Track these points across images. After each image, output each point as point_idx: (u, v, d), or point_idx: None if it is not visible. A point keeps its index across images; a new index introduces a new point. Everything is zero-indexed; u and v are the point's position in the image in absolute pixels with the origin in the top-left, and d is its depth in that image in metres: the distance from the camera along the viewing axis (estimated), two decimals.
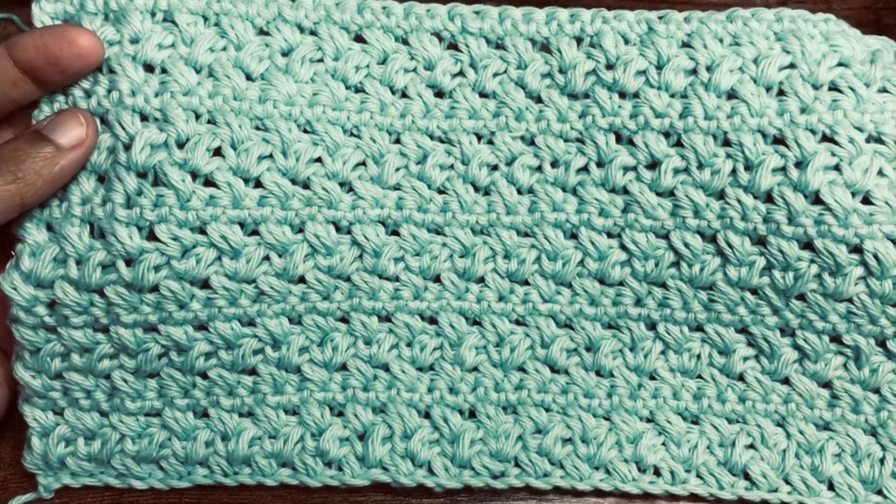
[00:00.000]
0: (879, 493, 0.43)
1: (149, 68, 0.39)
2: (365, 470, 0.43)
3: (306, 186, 0.41)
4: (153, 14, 0.39)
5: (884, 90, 0.41)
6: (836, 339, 0.43)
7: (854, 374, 0.43)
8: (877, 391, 0.43)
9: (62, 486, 0.43)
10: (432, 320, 0.43)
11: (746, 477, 0.44)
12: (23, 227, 0.39)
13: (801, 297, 0.42)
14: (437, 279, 0.43)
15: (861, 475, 0.43)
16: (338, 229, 0.41)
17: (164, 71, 0.39)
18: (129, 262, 0.39)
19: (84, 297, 0.39)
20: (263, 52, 0.40)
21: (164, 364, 0.42)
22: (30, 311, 0.39)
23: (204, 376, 0.42)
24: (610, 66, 0.41)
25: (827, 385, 0.44)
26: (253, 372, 0.43)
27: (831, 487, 0.43)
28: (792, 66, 0.41)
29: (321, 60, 0.41)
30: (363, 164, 0.42)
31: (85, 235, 0.39)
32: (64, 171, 0.37)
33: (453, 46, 0.42)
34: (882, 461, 0.43)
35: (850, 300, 0.41)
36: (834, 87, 0.41)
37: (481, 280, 0.43)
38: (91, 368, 0.41)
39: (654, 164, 0.41)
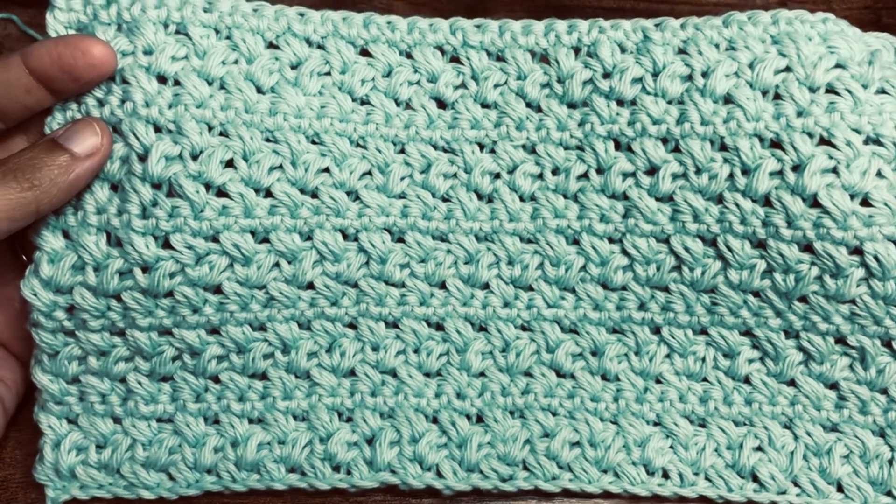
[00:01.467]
0: (889, 494, 0.43)
1: (162, 80, 0.40)
2: (373, 473, 0.43)
3: (315, 196, 0.42)
4: (166, 26, 0.40)
5: (882, 91, 0.41)
6: (840, 340, 0.43)
7: (860, 374, 0.43)
8: (884, 392, 0.43)
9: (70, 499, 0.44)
10: (439, 326, 0.44)
11: (755, 479, 0.44)
12: (39, 234, 0.40)
13: (804, 299, 0.42)
14: (443, 285, 0.44)
15: (870, 476, 0.43)
16: (345, 237, 0.43)
17: (177, 83, 0.40)
18: (146, 269, 0.40)
19: (102, 302, 0.41)
20: (273, 66, 0.42)
21: (178, 367, 0.43)
22: (49, 316, 0.41)
23: (216, 380, 0.43)
24: (607, 75, 0.42)
25: (833, 386, 0.44)
26: (263, 377, 0.44)
27: (840, 489, 0.43)
28: (788, 69, 0.41)
29: (329, 74, 0.43)
30: (369, 173, 0.43)
31: (102, 243, 0.40)
32: (79, 180, 0.38)
33: (455, 59, 0.44)
34: (891, 462, 0.43)
35: (853, 301, 0.41)
36: (831, 90, 0.41)
37: (486, 286, 0.44)
38: (107, 371, 0.42)
39: (652, 170, 0.42)
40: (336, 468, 0.44)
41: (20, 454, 0.44)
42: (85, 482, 0.43)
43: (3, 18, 0.51)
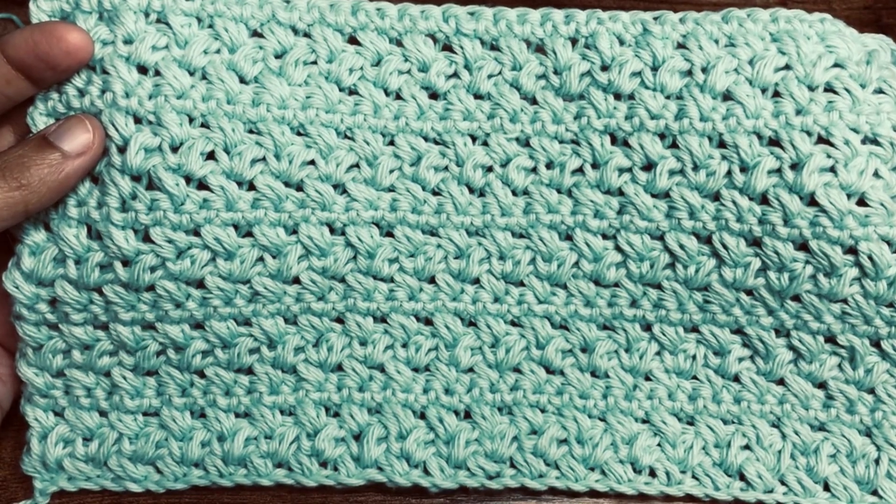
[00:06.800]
0: (875, 493, 0.43)
1: (142, 70, 0.39)
2: (360, 470, 0.43)
3: (300, 189, 0.41)
4: (146, 14, 0.39)
5: (880, 91, 0.41)
6: (830, 339, 0.43)
7: (849, 374, 0.43)
8: (871, 391, 0.43)
9: (59, 491, 0.43)
10: (428, 321, 0.43)
11: (742, 478, 0.44)
12: (20, 226, 0.39)
13: (796, 298, 0.42)
14: (432, 280, 0.43)
15: (856, 476, 0.43)
16: (332, 231, 0.42)
17: (157, 73, 0.39)
18: (126, 263, 0.39)
19: (83, 295, 0.40)
20: (257, 55, 0.40)
21: (162, 362, 0.42)
22: (32, 309, 0.40)
23: (201, 375, 0.43)
24: (605, 68, 0.41)
25: (822, 386, 0.44)
26: (249, 371, 0.43)
27: (827, 488, 0.43)
28: (787, 67, 0.40)
29: (315, 63, 0.41)
30: (357, 166, 0.42)
31: (82, 236, 0.39)
32: (69, 178, 0.38)
33: (448, 48, 0.42)
34: (877, 462, 0.43)
35: (845, 301, 0.41)
36: (829, 89, 0.40)
37: (476, 281, 0.43)
38: (91, 365, 0.42)
39: (649, 166, 0.41)
40: (323, 464, 0.43)
41: (20, 455, 0.43)
42: (72, 474, 0.43)
43: (2, 18, 0.49)
